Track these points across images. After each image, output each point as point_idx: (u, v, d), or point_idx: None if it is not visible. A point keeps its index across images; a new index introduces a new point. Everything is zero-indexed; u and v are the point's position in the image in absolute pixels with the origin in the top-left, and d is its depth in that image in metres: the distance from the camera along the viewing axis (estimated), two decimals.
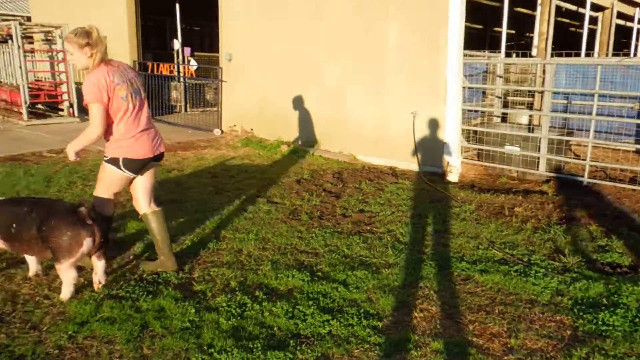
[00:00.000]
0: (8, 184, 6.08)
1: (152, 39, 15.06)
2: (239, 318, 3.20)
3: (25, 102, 10.55)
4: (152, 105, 11.72)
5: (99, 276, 3.47)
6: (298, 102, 9.07)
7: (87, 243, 3.25)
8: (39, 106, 12.03)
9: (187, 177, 6.82)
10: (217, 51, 12.03)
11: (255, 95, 9.79)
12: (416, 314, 3.31)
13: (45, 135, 9.59)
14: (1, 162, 7.34)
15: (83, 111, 12.00)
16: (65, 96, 11.47)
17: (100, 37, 3.40)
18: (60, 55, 11.17)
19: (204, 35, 16.95)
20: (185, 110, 12.88)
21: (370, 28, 7.97)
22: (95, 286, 3.46)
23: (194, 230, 4.75)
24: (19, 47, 10.18)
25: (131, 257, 4.10)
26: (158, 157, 3.76)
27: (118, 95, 3.42)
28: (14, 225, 3.31)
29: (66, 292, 3.34)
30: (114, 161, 3.56)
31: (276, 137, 9.40)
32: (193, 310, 3.23)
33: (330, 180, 6.80)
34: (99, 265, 3.46)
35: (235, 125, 10.33)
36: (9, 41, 11.14)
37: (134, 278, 3.70)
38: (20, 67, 10.27)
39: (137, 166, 3.62)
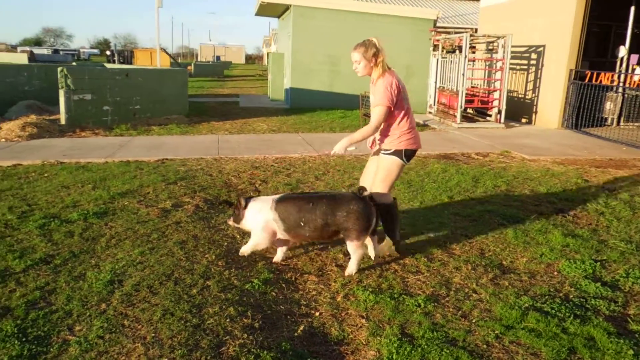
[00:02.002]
0: (442, 180, 6.82)
1: (591, 46, 14.09)
2: None
3: (461, 107, 11.63)
4: (581, 116, 11.02)
5: (375, 252, 3.95)
6: None
7: (373, 223, 3.78)
8: (469, 110, 13.07)
9: (617, 198, 6.09)
10: None
11: None
12: None
13: (473, 138, 10.33)
14: (437, 158, 8.32)
15: (509, 117, 12.37)
16: (495, 103, 12.06)
17: (382, 48, 3.86)
18: (499, 64, 11.77)
19: None
20: (618, 123, 11.60)
21: None
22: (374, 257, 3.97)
23: (628, 260, 4.19)
24: (465, 56, 11.25)
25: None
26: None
27: (402, 96, 3.86)
28: (303, 218, 3.75)
29: (354, 268, 3.83)
30: (398, 153, 3.96)
31: None
32: (631, 352, 2.83)
33: None
34: (373, 244, 3.92)
35: None
36: (456, 51, 12.46)
37: (559, 296, 3.54)
38: (463, 75, 11.37)
39: (412, 155, 4.07)
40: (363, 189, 3.85)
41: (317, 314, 3.30)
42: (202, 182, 6.53)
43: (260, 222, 3.86)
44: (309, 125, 12.13)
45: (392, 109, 3.83)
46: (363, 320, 3.21)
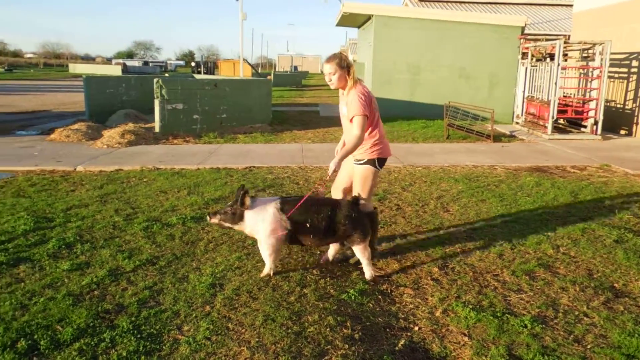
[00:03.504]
0: (537, 194, 6.50)
1: None
2: None
3: (552, 117, 11.08)
4: None
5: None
6: None
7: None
8: (560, 121, 12.42)
9: None
10: None
11: None
12: None
13: (568, 150, 9.79)
14: (528, 171, 7.96)
15: (605, 129, 11.63)
16: (591, 113, 11.38)
17: (351, 61, 4.00)
18: (596, 72, 11.11)
19: None
20: None
21: None
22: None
23: None
24: (558, 64, 10.72)
25: None
26: None
27: (373, 107, 3.97)
28: (309, 220, 3.75)
29: (370, 271, 3.92)
30: (371, 162, 4.03)
31: None
32: None
33: None
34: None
35: None
36: (547, 59, 11.90)
37: None
38: (556, 83, 10.83)
39: (384, 163, 4.14)
40: (359, 196, 3.93)
41: (417, 328, 3.23)
42: (290, 190, 6.64)
43: (270, 223, 3.71)
44: (391, 135, 12.03)
45: (368, 117, 3.89)
46: (465, 338, 3.10)
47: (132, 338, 2.98)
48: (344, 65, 3.90)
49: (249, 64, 37.33)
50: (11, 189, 6.43)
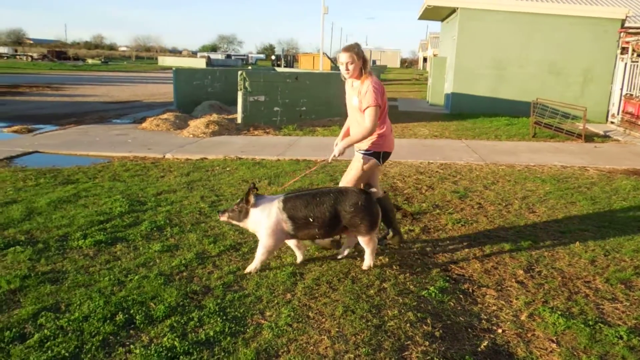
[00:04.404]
0: (635, 199, 6.07)
1: None
2: None
3: None
4: None
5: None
6: None
7: (380, 218, 3.88)
8: None
9: None
10: None
11: None
12: None
13: None
14: (625, 174, 7.43)
15: None
16: None
17: None
18: None
19: None
20: None
21: None
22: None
23: None
24: None
25: None
26: None
27: (385, 98, 3.95)
28: (312, 215, 3.67)
29: (370, 261, 3.89)
30: (375, 154, 4.02)
31: None
32: None
33: None
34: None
35: None
36: None
37: None
38: None
39: (387, 158, 4.15)
40: (369, 185, 3.96)
41: (500, 330, 3.13)
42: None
43: (270, 224, 3.69)
44: (472, 132, 11.67)
45: (380, 107, 3.89)
46: (553, 345, 2.96)
47: (218, 319, 3.11)
48: (360, 55, 3.94)
49: (329, 58, 37.58)
50: (108, 174, 6.90)
